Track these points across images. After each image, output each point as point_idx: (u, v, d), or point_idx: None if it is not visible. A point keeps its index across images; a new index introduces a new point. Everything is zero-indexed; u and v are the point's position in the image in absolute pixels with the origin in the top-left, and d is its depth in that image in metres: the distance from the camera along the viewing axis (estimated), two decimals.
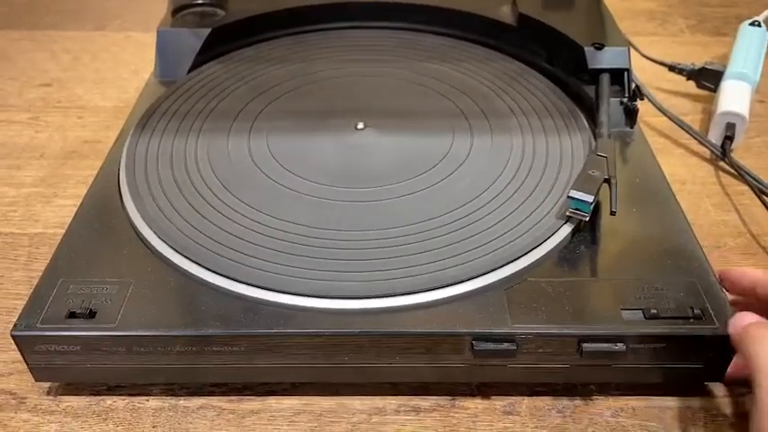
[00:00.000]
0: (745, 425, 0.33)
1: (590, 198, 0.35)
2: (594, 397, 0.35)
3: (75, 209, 0.39)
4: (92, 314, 0.33)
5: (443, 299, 0.33)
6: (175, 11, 0.55)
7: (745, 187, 0.47)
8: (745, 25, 0.58)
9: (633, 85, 0.46)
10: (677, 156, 0.51)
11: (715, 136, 0.51)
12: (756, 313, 0.32)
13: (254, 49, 0.54)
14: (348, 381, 0.35)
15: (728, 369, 0.33)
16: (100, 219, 0.38)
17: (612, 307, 0.33)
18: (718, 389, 0.35)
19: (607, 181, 0.37)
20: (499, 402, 0.34)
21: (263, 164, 0.42)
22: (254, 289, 0.34)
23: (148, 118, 0.46)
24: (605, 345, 0.32)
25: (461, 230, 0.37)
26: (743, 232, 0.44)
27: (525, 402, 0.34)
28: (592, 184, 0.36)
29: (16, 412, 0.34)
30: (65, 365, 0.33)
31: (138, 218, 0.38)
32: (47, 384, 0.35)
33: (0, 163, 0.51)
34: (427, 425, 0.34)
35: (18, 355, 0.33)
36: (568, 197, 0.36)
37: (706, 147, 0.51)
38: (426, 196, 0.39)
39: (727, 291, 0.35)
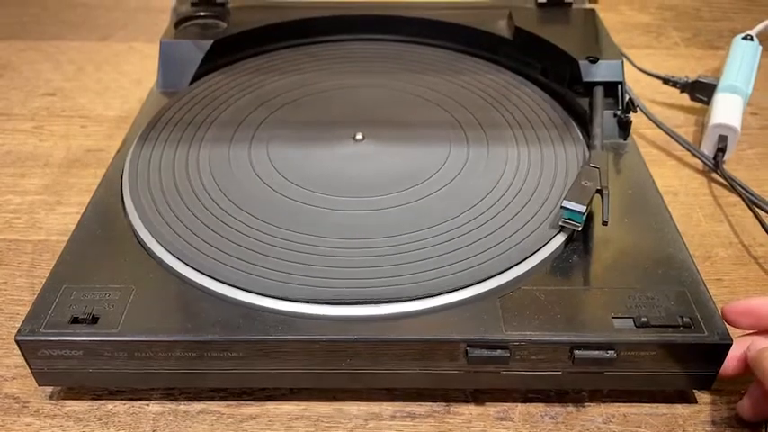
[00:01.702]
0: None
1: (582, 208, 0.36)
2: (586, 403, 0.35)
3: (78, 216, 0.40)
4: (94, 319, 0.33)
5: (439, 306, 0.34)
6: (178, 23, 0.56)
7: (737, 198, 0.48)
8: (737, 39, 0.59)
9: (627, 98, 0.47)
10: (670, 167, 0.52)
11: (708, 148, 0.52)
12: None
13: (256, 61, 0.55)
14: (345, 386, 0.35)
15: (747, 412, 0.34)
16: (102, 226, 0.39)
17: (604, 315, 0.34)
18: (708, 396, 0.35)
19: (599, 192, 0.38)
20: (493, 408, 0.35)
21: (263, 173, 0.43)
22: (253, 295, 0.34)
23: (151, 128, 0.47)
24: (596, 352, 0.32)
25: (457, 239, 0.37)
26: (734, 242, 0.45)
27: (518, 408, 0.35)
28: (584, 194, 0.37)
29: (19, 416, 0.35)
30: (67, 370, 0.34)
31: (140, 225, 0.38)
32: (49, 389, 0.36)
33: (5, 171, 0.52)
34: (422, 430, 0.34)
35: (21, 360, 0.34)
36: (561, 207, 0.37)
37: (699, 158, 0.51)
38: (423, 206, 0.40)
39: (737, 326, 0.34)
